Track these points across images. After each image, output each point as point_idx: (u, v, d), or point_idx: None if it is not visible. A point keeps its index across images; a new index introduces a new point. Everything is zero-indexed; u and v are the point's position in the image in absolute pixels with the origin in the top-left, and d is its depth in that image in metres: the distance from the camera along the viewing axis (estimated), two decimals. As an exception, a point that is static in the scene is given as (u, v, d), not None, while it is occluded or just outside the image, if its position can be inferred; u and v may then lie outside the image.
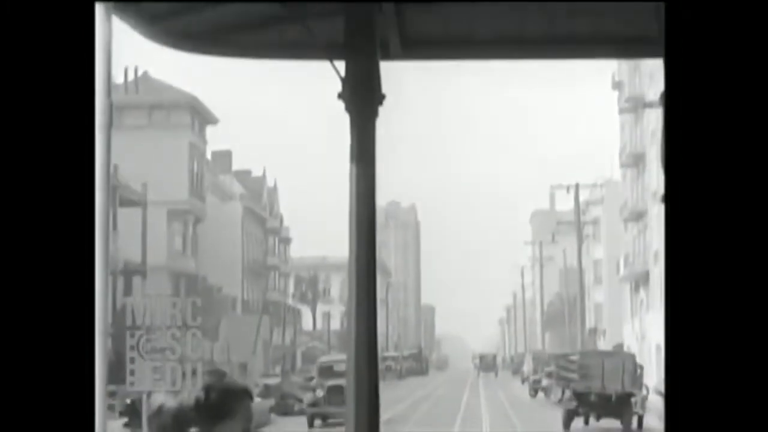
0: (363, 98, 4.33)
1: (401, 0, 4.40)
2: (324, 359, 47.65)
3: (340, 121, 4.40)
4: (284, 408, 46.90)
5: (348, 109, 4.35)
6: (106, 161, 3.71)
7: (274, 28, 4.55)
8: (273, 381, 53.54)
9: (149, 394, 14.86)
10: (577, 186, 73.20)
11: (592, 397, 36.50)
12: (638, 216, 75.76)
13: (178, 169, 69.28)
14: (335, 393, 36.97)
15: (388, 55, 4.52)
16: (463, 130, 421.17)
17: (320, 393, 40.30)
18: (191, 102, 71.42)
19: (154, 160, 65.35)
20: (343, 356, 40.22)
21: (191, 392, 3.65)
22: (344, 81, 4.33)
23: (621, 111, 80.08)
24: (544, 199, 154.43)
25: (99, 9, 3.55)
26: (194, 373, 14.84)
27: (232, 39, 4.65)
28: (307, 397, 42.18)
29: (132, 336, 15.09)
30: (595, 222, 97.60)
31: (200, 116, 73.67)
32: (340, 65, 4.37)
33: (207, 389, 3.65)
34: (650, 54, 4.53)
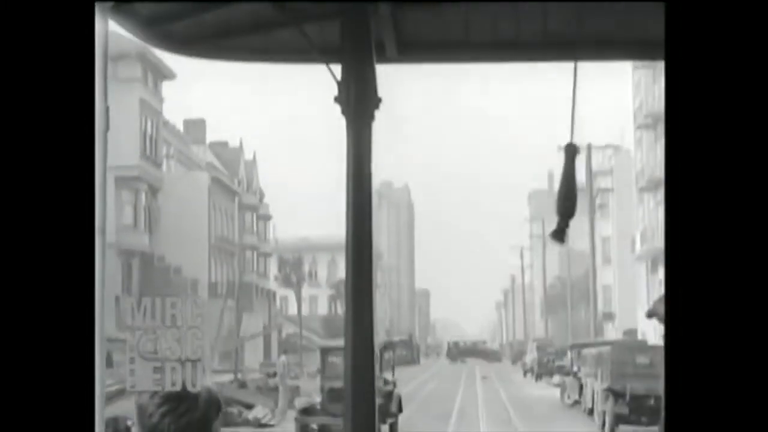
0: (359, 101, 4.43)
1: (397, 0, 4.49)
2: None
3: (337, 124, 4.48)
4: (225, 418, 35.19)
5: (344, 112, 4.46)
6: (104, 162, 3.83)
7: (270, 31, 4.65)
8: (225, 379, 41.85)
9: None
10: (589, 147, 61.78)
11: (652, 401, 29.54)
12: (656, 185, 64.70)
13: (126, 129, 57.74)
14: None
15: (385, 58, 4.66)
16: (459, 124, 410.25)
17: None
18: (142, 52, 59.95)
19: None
20: None
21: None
22: (340, 84, 4.44)
23: (636, 65, 68.42)
24: (543, 179, 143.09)
25: (97, 10, 3.63)
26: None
27: (229, 42, 4.73)
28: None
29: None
30: (604, 195, 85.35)
31: (154, 69, 62.06)
32: (336, 68, 4.46)
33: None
34: (650, 56, 4.63)
